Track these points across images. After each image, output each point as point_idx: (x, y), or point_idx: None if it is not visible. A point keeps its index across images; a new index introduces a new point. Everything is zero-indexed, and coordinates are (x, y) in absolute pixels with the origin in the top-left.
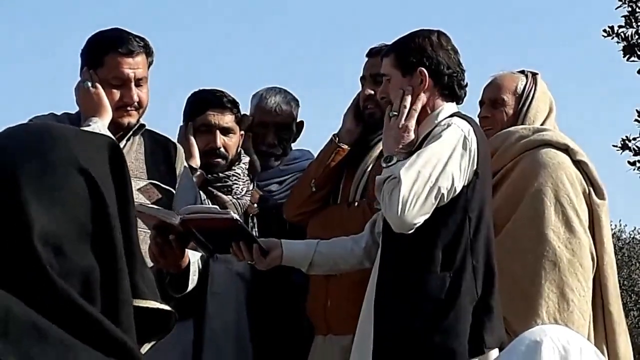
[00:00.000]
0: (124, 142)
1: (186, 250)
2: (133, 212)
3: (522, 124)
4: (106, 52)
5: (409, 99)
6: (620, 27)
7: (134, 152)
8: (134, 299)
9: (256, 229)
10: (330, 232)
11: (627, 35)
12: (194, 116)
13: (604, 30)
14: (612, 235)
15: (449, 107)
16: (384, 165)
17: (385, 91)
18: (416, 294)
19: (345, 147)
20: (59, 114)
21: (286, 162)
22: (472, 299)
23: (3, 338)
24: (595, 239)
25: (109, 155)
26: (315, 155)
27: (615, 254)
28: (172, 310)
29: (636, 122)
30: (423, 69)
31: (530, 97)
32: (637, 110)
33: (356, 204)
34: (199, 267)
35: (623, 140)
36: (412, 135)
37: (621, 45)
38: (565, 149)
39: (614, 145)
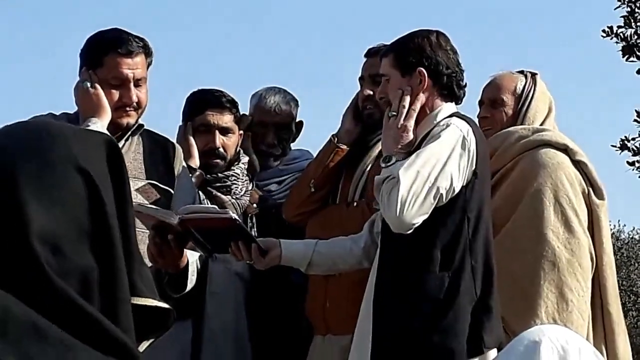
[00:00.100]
0: (122, 142)
1: (185, 250)
2: (131, 211)
3: (522, 124)
4: (105, 52)
5: (407, 99)
6: (619, 27)
7: (132, 152)
8: (132, 297)
9: (255, 229)
10: (329, 232)
11: (626, 35)
12: (193, 116)
13: (603, 31)
14: (611, 235)
15: (447, 107)
16: (382, 165)
17: (384, 91)
18: (415, 293)
19: (344, 147)
20: (57, 114)
21: (285, 162)
22: (471, 299)
23: (2, 338)
24: (594, 239)
25: (107, 153)
26: (315, 155)
27: (614, 254)
28: (170, 308)
29: (635, 122)
30: (422, 69)
31: (529, 97)
32: (636, 110)
33: (355, 204)
34: (197, 267)
35: (622, 140)
36: (411, 136)
37: (620, 45)
38: (565, 149)
39: (612, 146)
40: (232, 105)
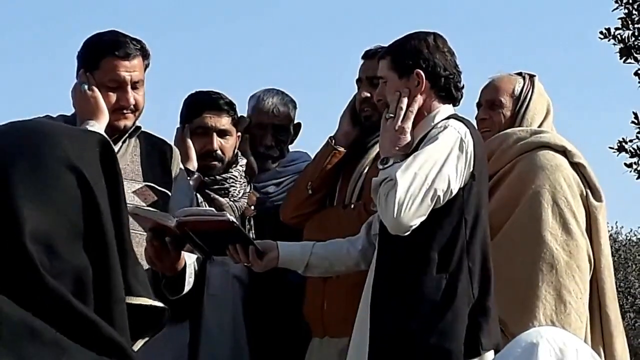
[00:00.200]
0: (119, 144)
1: (182, 252)
2: (125, 210)
3: (520, 126)
4: (103, 55)
5: (405, 101)
6: (617, 29)
7: (129, 154)
8: (127, 296)
9: (253, 231)
10: (326, 234)
11: (623, 37)
12: (191, 118)
13: (601, 33)
14: (609, 237)
15: (445, 109)
16: (380, 167)
17: (381, 93)
18: (412, 295)
19: (342, 149)
20: (54, 115)
21: (283, 164)
22: (469, 301)
23: None
24: (592, 241)
25: (101, 154)
26: (312, 158)
27: (612, 256)
28: (165, 307)
29: (633, 124)
30: (419, 71)
31: (527, 99)
32: (633, 112)
33: (352, 206)
34: (195, 269)
35: (619, 142)
36: (408, 137)
37: (618, 47)
38: (563, 151)
39: (610, 147)
40: (230, 108)
